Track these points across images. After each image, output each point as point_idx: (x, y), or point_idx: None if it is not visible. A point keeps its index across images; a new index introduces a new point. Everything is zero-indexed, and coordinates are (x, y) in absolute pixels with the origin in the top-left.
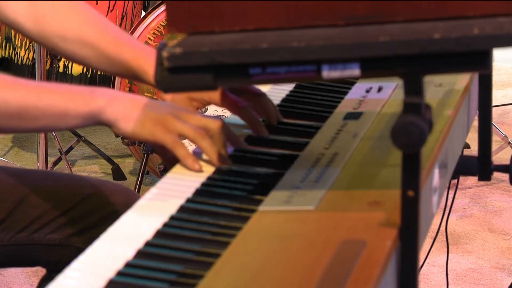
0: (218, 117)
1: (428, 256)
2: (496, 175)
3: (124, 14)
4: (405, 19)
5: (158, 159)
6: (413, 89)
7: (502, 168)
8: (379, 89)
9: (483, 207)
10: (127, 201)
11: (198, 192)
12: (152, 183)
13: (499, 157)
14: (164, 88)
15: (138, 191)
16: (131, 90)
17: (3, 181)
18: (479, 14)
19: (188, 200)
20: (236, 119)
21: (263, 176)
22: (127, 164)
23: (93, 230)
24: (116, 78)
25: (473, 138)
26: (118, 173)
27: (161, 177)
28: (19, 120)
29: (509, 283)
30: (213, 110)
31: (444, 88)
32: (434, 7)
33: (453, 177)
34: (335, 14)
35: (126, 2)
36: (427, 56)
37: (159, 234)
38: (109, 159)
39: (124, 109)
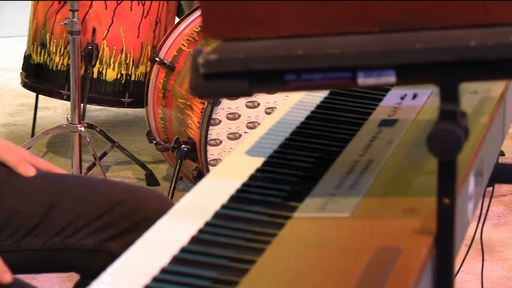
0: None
1: (463, 264)
2: None
3: (158, 20)
4: (440, 26)
5: (192, 165)
6: (449, 96)
7: None
8: (414, 96)
9: None
10: (160, 206)
11: (233, 199)
12: (186, 189)
13: None
14: (199, 95)
15: (172, 197)
16: (164, 97)
17: (37, 186)
18: None
19: (223, 207)
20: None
21: (297, 183)
22: (161, 170)
23: (127, 236)
24: (150, 85)
25: (508, 146)
26: (151, 179)
27: (194, 183)
28: None
29: None
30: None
31: (479, 95)
32: (470, 14)
33: (488, 185)
34: (370, 21)
35: (160, 8)
36: (463, 64)
37: (194, 240)
38: (142, 165)
39: None
